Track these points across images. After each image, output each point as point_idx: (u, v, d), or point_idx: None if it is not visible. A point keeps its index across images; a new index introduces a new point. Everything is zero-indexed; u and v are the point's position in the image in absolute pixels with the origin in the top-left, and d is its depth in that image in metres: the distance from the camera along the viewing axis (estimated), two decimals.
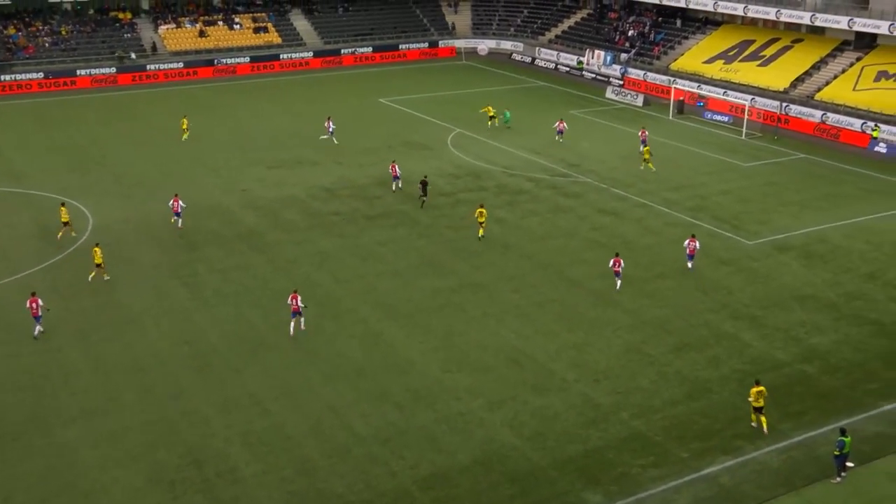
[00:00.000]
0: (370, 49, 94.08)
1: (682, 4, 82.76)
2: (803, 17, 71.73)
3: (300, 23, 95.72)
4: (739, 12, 77.44)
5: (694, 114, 71.08)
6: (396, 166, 51.50)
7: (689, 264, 40.54)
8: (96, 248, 38.87)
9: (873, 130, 62.71)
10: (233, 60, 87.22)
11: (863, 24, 67.26)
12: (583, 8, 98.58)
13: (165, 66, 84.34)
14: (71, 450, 27.20)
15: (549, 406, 29.55)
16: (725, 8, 78.37)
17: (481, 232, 43.81)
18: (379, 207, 48.43)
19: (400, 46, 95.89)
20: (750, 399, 28.40)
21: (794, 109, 68.27)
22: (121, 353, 32.80)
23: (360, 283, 38.75)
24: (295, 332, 33.99)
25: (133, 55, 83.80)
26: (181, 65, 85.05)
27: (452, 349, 33.14)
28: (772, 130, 65.97)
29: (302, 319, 34.28)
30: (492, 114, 66.03)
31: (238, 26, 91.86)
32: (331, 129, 61.76)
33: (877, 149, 61.77)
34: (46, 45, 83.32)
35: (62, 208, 43.86)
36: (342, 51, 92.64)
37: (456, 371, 31.62)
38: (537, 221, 46.59)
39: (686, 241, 40.97)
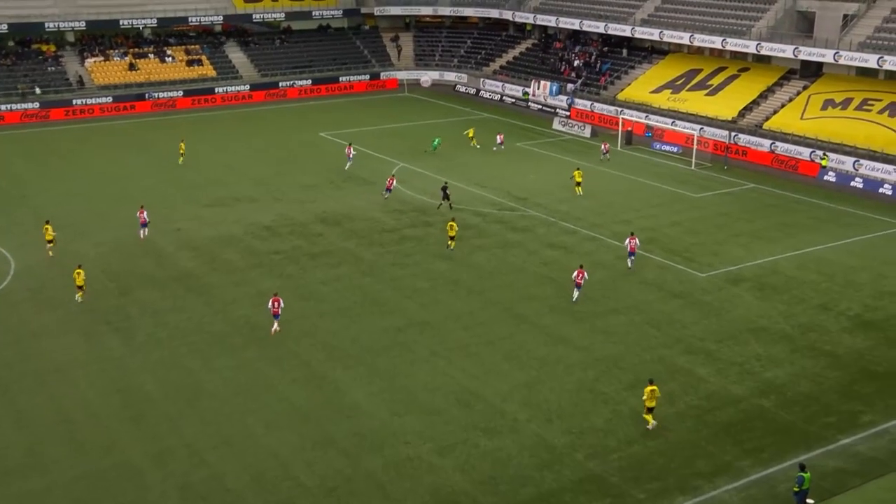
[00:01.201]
0: (309, 82, 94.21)
1: (627, 34, 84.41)
2: (749, 46, 73.51)
3: (236, 55, 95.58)
4: (685, 41, 79.10)
5: (643, 144, 72.17)
6: (394, 180, 55.66)
7: (629, 262, 44.34)
8: (79, 270, 40.28)
9: (822, 159, 64.27)
10: (165, 94, 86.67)
11: (808, 53, 69.16)
12: (528, 38, 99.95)
13: (93, 100, 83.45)
14: None
15: (502, 448, 29.46)
16: (671, 37, 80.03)
17: (452, 244, 47.06)
18: (321, 245, 48.21)
19: (340, 79, 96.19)
20: (644, 399, 30.32)
21: (744, 139, 69.71)
22: (45, 406, 31.97)
23: (302, 324, 38.40)
24: (275, 332, 37.12)
25: (38, 89, 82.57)
26: (110, 99, 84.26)
27: (400, 391, 32.94)
28: (721, 160, 67.24)
29: (276, 322, 37.23)
30: (472, 135, 69.27)
31: (170, 59, 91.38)
32: (351, 156, 63.82)
33: (826, 177, 63.28)
34: None
35: (47, 226, 46.03)
36: (280, 84, 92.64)
37: (404, 414, 31.40)
38: (485, 257, 46.75)
39: (626, 240, 44.72)
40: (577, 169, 59.62)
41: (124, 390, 32.94)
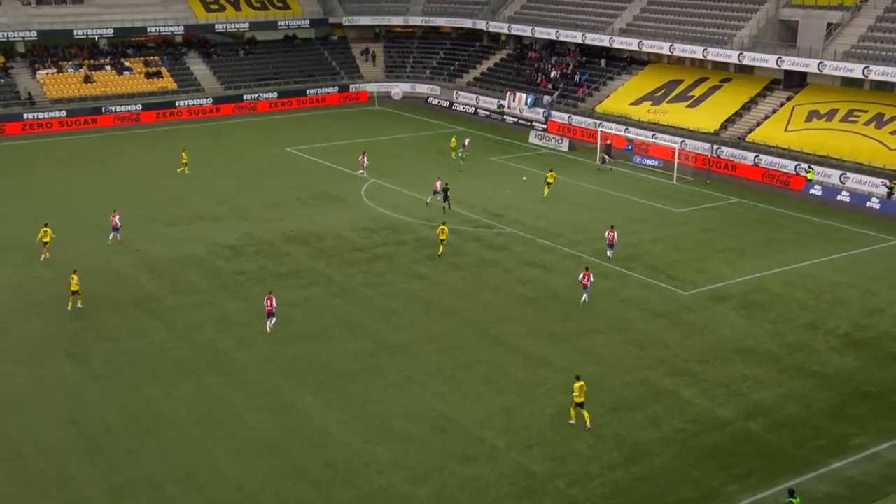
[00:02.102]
0: (275, 94, 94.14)
1: (605, 44, 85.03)
2: (731, 56, 74.29)
3: (197, 67, 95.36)
4: (665, 51, 79.85)
5: (622, 158, 72.58)
6: (438, 182, 57.89)
7: (609, 253, 48.35)
8: (73, 276, 41.51)
9: (808, 172, 64.88)
10: (123, 108, 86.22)
11: (791, 63, 69.99)
12: (502, 49, 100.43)
13: (45, 114, 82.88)
14: None
15: (479, 476, 29.34)
16: (651, 47, 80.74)
17: (441, 249, 48.76)
18: (289, 265, 48.01)
19: (308, 91, 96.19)
20: (573, 395, 31.64)
21: (726, 152, 70.29)
22: None
23: (269, 349, 38.16)
24: (272, 331, 39.12)
25: None
26: (64, 113, 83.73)
27: (372, 418, 32.75)
28: (704, 174, 67.74)
29: (273, 321, 39.21)
30: (453, 146, 70.56)
31: (128, 71, 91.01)
32: (365, 164, 65.87)
33: (812, 191, 63.87)
34: None
35: (46, 228, 47.87)
36: (245, 97, 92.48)
37: (376, 442, 31.23)
38: (460, 276, 46.72)
39: (606, 232, 48.78)
40: (552, 171, 62.05)
41: (79, 421, 32.53)
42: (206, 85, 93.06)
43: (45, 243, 47.96)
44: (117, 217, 51.03)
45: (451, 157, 70.47)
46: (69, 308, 41.88)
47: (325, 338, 39.35)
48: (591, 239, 52.42)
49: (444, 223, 50.52)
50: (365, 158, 66.87)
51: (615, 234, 49.19)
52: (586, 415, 31.79)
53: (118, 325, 40.44)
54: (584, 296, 42.85)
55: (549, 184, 61.05)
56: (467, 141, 73.13)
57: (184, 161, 67.53)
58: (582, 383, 31.96)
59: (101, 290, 44.44)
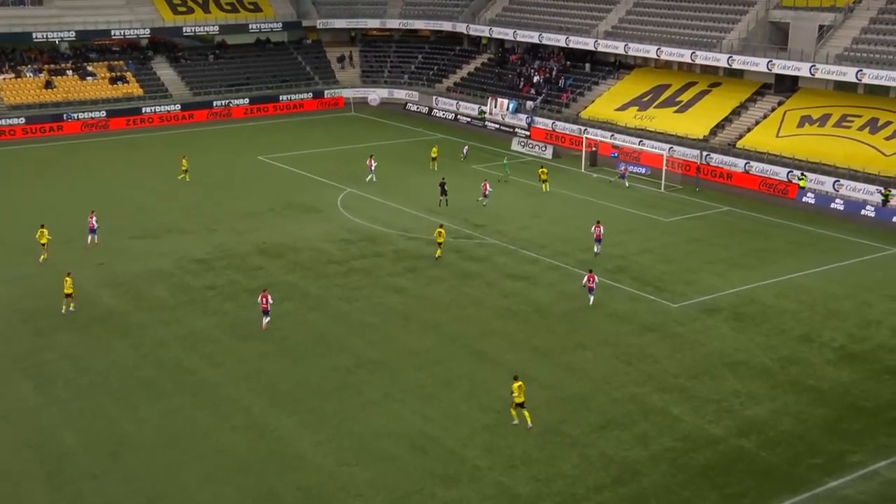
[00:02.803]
0: (247, 101, 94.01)
1: (590, 47, 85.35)
2: (720, 60, 74.72)
3: (164, 72, 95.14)
4: (652, 55, 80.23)
5: (608, 165, 72.79)
6: (487, 185, 61.00)
7: (596, 248, 50.80)
8: (67, 278, 42.90)
9: (800, 180, 65.24)
10: (87, 115, 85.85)
11: (782, 66, 70.43)
12: (483, 53, 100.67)
13: (5, 121, 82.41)
14: None
15: (461, 499, 29.21)
16: (637, 51, 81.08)
17: (438, 252, 50.16)
18: (261, 279, 47.81)
19: (281, 97, 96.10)
20: (514, 395, 32.59)
21: (716, 159, 70.62)
22: None
23: (241, 367, 37.95)
24: (265, 328, 40.88)
25: None
26: (23, 120, 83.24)
27: (349, 438, 32.60)
28: (693, 182, 68.02)
29: (267, 319, 40.94)
30: (434, 156, 70.87)
31: (92, 76, 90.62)
32: (373, 167, 67.15)
33: (805, 199, 64.22)
34: None
35: (42, 230, 49.36)
36: (214, 103, 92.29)
37: (354, 463, 31.07)
38: (441, 289, 46.67)
39: (592, 227, 51.21)
40: (542, 167, 65.58)
41: (39, 445, 32.19)
42: (173, 91, 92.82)
43: (43, 244, 49.41)
44: (94, 218, 52.30)
45: (429, 168, 70.45)
46: (63, 311, 43.06)
47: (300, 354, 39.17)
48: (576, 249, 52.47)
49: (441, 226, 51.79)
50: (372, 161, 67.80)
51: (602, 228, 51.28)
52: (527, 415, 32.79)
53: (79, 344, 40.10)
54: (591, 298, 44.34)
55: (544, 181, 64.96)
56: (466, 149, 74.84)
57: (184, 167, 67.80)
58: (520, 383, 32.90)
59: (62, 306, 44.05)
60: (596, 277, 44.51)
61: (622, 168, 68.45)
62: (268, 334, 40.98)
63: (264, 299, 41.04)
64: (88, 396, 35.53)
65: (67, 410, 34.50)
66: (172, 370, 37.54)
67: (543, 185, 65.08)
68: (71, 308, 43.25)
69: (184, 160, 68.25)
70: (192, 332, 41.22)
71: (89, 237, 52.23)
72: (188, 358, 38.77)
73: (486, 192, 61.27)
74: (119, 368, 37.86)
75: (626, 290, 46.63)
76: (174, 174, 68.82)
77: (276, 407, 34.76)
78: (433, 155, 72.30)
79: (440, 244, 50.58)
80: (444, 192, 60.21)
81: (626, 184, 66.92)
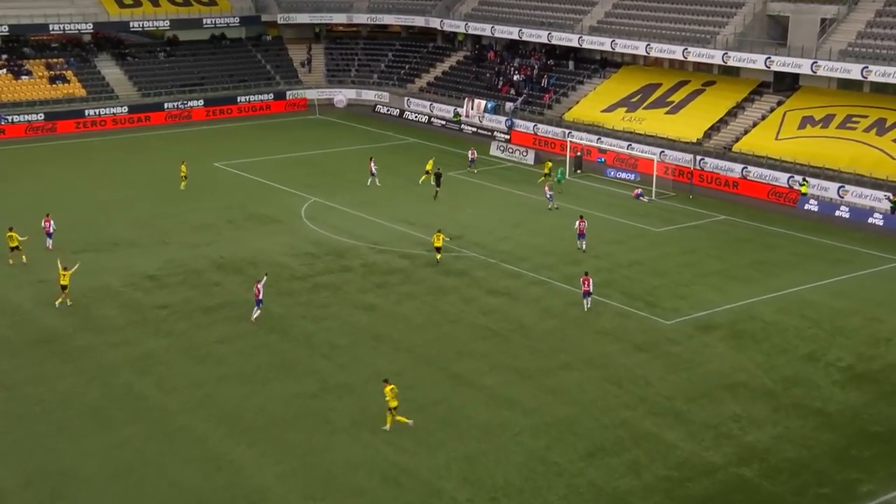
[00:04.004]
0: (201, 102, 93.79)
1: (574, 44, 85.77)
2: (714, 56, 75.21)
3: (109, 70, 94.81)
4: (641, 52, 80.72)
5: (594, 171, 73.07)
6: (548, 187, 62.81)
7: (582, 244, 53.89)
8: (63, 271, 45.44)
9: (802, 185, 65.69)
10: (22, 118, 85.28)
11: (781, 63, 70.95)
12: (459, 50, 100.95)
13: None
14: None
15: None
16: (625, 47, 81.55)
17: (438, 256, 51.92)
18: (218, 297, 47.65)
19: (239, 98, 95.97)
20: (387, 400, 34.05)
21: (711, 163, 71.05)
22: None
23: (196, 393, 37.76)
24: (256, 321, 43.48)
25: None
26: None
27: (315, 470, 32.49)
28: (686, 189, 68.37)
29: (258, 310, 43.75)
30: (429, 169, 69.36)
31: (28, 75, 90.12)
32: (373, 171, 68.22)
33: (807, 206, 64.67)
34: None
35: (11, 233, 51.01)
36: (165, 105, 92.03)
37: (320, 498, 30.97)
38: (414, 306, 46.65)
39: (576, 223, 54.16)
40: (549, 161, 69.76)
41: None
42: (120, 91, 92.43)
43: (13, 248, 51.28)
44: (52, 222, 53.91)
45: (419, 183, 69.04)
46: (57, 304, 45.39)
47: (261, 379, 39.01)
48: (560, 262, 52.61)
49: (439, 230, 52.88)
50: (373, 164, 68.51)
51: (586, 223, 54.18)
52: (401, 418, 34.31)
53: (15, 370, 39.71)
54: (588, 302, 45.81)
55: (547, 174, 68.35)
56: (474, 154, 74.07)
57: (183, 173, 67.50)
58: (392, 386, 34.35)
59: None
60: (591, 280, 45.55)
61: (635, 193, 67.56)
62: (225, 358, 40.80)
63: (258, 287, 43.62)
64: (25, 428, 35.17)
65: (2, 444, 34.16)
66: (121, 397, 37.26)
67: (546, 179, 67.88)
68: (68, 302, 45.62)
69: (182, 166, 67.98)
70: (143, 355, 40.97)
71: (47, 241, 53.56)
72: (138, 383, 38.52)
73: (550, 195, 63.02)
74: (60, 396, 37.53)
75: (615, 306, 46.76)
76: (121, 181, 68.50)
77: (234, 437, 34.59)
78: (427, 168, 69.56)
79: (439, 249, 52.13)
80: (438, 183, 64.31)
81: (646, 199, 66.50)
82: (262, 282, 44.36)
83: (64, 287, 45.55)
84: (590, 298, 45.92)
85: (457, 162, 76.29)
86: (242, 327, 43.89)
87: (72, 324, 44.40)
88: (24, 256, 51.56)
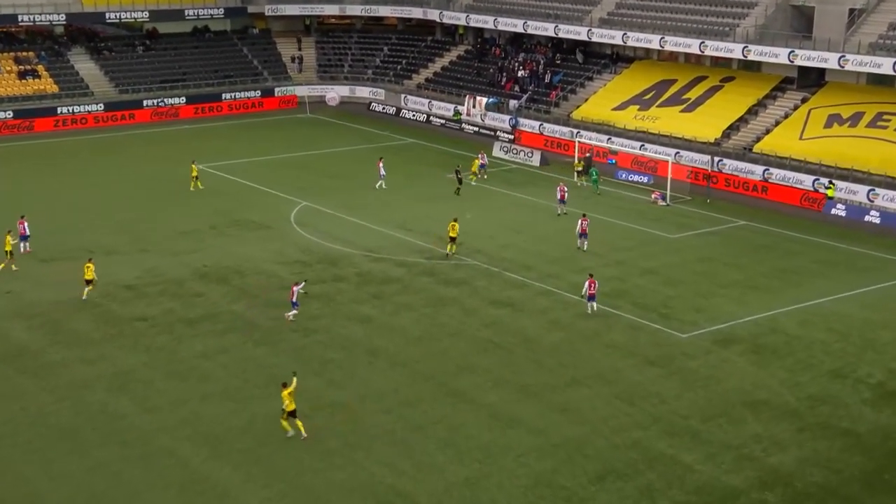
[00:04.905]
0: (183, 100, 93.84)
1: (583, 37, 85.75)
2: (734, 50, 75.24)
3: (84, 65, 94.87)
4: (655, 45, 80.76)
5: (605, 174, 73.06)
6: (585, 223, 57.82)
7: (584, 243, 55.11)
8: (89, 264, 47.77)
9: (828, 188, 65.70)
10: None
11: (806, 58, 70.88)
12: (459, 44, 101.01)
13: None
14: None
15: None
16: (637, 40, 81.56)
17: (451, 248, 54.29)
18: (201, 308, 47.63)
19: (223, 96, 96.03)
20: (284, 404, 34.71)
21: (730, 165, 71.04)
22: None
23: (177, 412, 37.69)
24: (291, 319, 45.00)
25: None
26: None
27: (305, 494, 32.44)
28: (703, 192, 68.35)
29: (294, 312, 45.11)
30: (475, 169, 71.00)
31: None
32: (382, 172, 68.66)
33: (834, 211, 64.66)
34: None
35: (7, 236, 51.82)
36: (144, 102, 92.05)
37: None
38: (412, 318, 46.63)
39: (579, 221, 55.48)
40: (579, 158, 72.62)
41: None
42: (95, 87, 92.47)
43: (8, 252, 51.84)
44: (26, 224, 54.59)
45: (468, 182, 69.80)
46: (84, 297, 47.83)
47: (247, 396, 38.96)
48: (567, 271, 52.60)
49: (455, 219, 54.85)
50: (381, 165, 68.85)
51: (588, 222, 55.53)
52: (300, 424, 34.84)
53: None
54: (594, 306, 46.65)
55: (580, 172, 71.31)
56: (483, 160, 72.94)
57: (194, 174, 68.28)
58: (290, 389, 34.95)
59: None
60: (596, 283, 46.35)
61: (655, 196, 67.55)
62: (209, 373, 40.74)
63: (294, 290, 45.16)
64: None
65: None
66: (96, 416, 37.19)
67: (580, 178, 70.80)
68: (83, 297, 47.80)
69: (193, 166, 68.34)
70: (120, 371, 40.92)
71: (21, 245, 54.04)
72: (115, 402, 38.45)
73: (564, 198, 62.97)
74: (29, 416, 37.44)
75: (627, 318, 46.72)
76: (98, 183, 68.52)
77: (218, 458, 34.53)
78: (474, 169, 70.98)
79: (453, 239, 54.01)
80: (459, 181, 66.45)
81: (666, 203, 66.43)
82: (301, 285, 45.61)
83: (89, 281, 47.84)
84: (594, 302, 46.47)
85: (457, 163, 76.20)
86: (228, 340, 43.85)
87: (41, 338, 44.33)
88: (13, 265, 52.14)
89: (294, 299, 45.16)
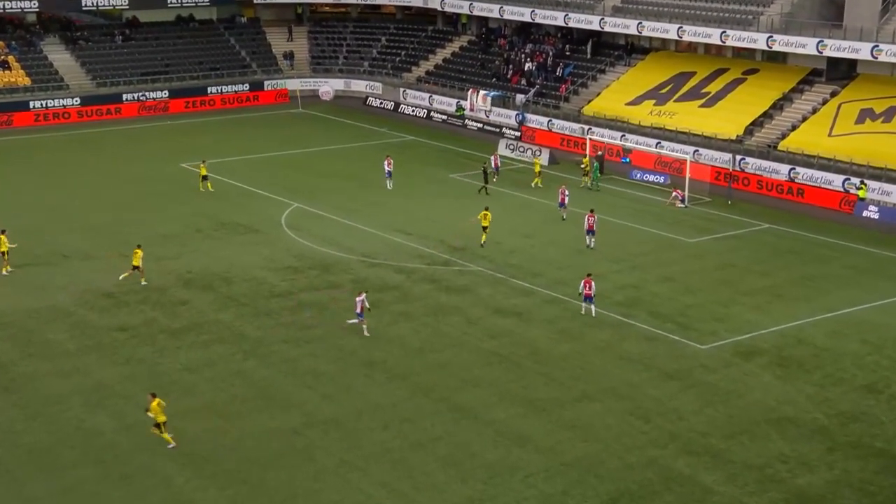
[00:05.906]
0: (165, 94, 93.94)
1: (595, 27, 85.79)
2: (757, 41, 75.21)
3: (58, 56, 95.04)
4: (672, 35, 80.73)
5: (618, 173, 73.08)
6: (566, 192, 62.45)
7: (591, 241, 56.47)
8: (137, 250, 50.62)
9: (859, 189, 65.68)
10: None
11: (836, 48, 70.77)
12: (462, 34, 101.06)
13: None
14: None
15: None
16: (653, 30, 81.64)
17: (483, 237, 56.29)
18: (185, 317, 47.64)
19: (209, 89, 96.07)
20: (151, 414, 35.38)
21: (753, 164, 71.03)
22: None
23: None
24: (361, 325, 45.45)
25: None
26: None
27: None
28: (724, 193, 68.34)
29: (359, 320, 45.34)
30: (538, 170, 70.98)
31: None
32: (388, 172, 69.14)
33: (865, 213, 64.65)
34: None
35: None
36: (124, 96, 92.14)
37: None
38: (412, 328, 46.65)
39: (586, 217, 56.68)
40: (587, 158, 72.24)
41: None
42: (70, 80, 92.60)
43: (3, 253, 52.74)
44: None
45: (532, 186, 69.87)
46: (121, 278, 50.63)
47: (234, 412, 38.97)
48: (578, 278, 52.32)
49: (486, 208, 57.72)
50: (387, 164, 69.36)
51: (595, 218, 56.79)
52: (166, 436, 35.59)
53: None
54: (591, 308, 47.52)
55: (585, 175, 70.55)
56: (497, 161, 72.29)
57: (203, 173, 68.43)
58: (159, 400, 35.77)
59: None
60: (593, 283, 46.93)
61: (674, 196, 67.35)
62: (193, 387, 40.72)
63: (359, 300, 45.15)
64: None
65: None
66: (71, 434, 37.20)
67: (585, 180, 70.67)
68: (142, 282, 50.86)
69: (202, 166, 68.51)
70: (98, 385, 40.93)
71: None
72: (92, 418, 38.46)
73: (565, 202, 62.68)
74: (1, 433, 37.49)
75: (642, 329, 46.72)
76: (75, 183, 68.57)
77: (203, 478, 34.54)
78: (537, 170, 70.69)
79: (485, 228, 56.59)
80: (486, 178, 67.77)
81: (685, 205, 66.41)
82: (363, 297, 45.26)
83: (136, 267, 50.42)
84: (592, 305, 47.41)
85: (460, 163, 76.34)
86: (214, 351, 43.85)
87: (11, 350, 44.33)
88: (7, 266, 52.97)
89: (359, 309, 45.13)
